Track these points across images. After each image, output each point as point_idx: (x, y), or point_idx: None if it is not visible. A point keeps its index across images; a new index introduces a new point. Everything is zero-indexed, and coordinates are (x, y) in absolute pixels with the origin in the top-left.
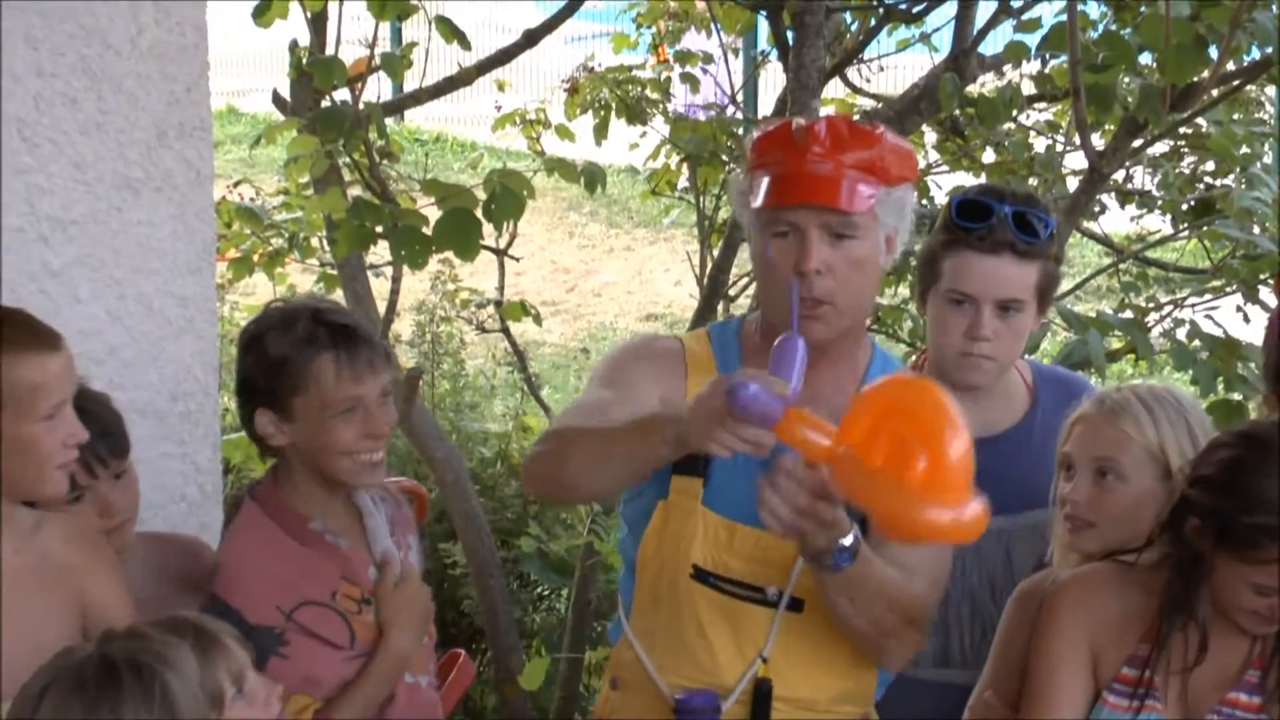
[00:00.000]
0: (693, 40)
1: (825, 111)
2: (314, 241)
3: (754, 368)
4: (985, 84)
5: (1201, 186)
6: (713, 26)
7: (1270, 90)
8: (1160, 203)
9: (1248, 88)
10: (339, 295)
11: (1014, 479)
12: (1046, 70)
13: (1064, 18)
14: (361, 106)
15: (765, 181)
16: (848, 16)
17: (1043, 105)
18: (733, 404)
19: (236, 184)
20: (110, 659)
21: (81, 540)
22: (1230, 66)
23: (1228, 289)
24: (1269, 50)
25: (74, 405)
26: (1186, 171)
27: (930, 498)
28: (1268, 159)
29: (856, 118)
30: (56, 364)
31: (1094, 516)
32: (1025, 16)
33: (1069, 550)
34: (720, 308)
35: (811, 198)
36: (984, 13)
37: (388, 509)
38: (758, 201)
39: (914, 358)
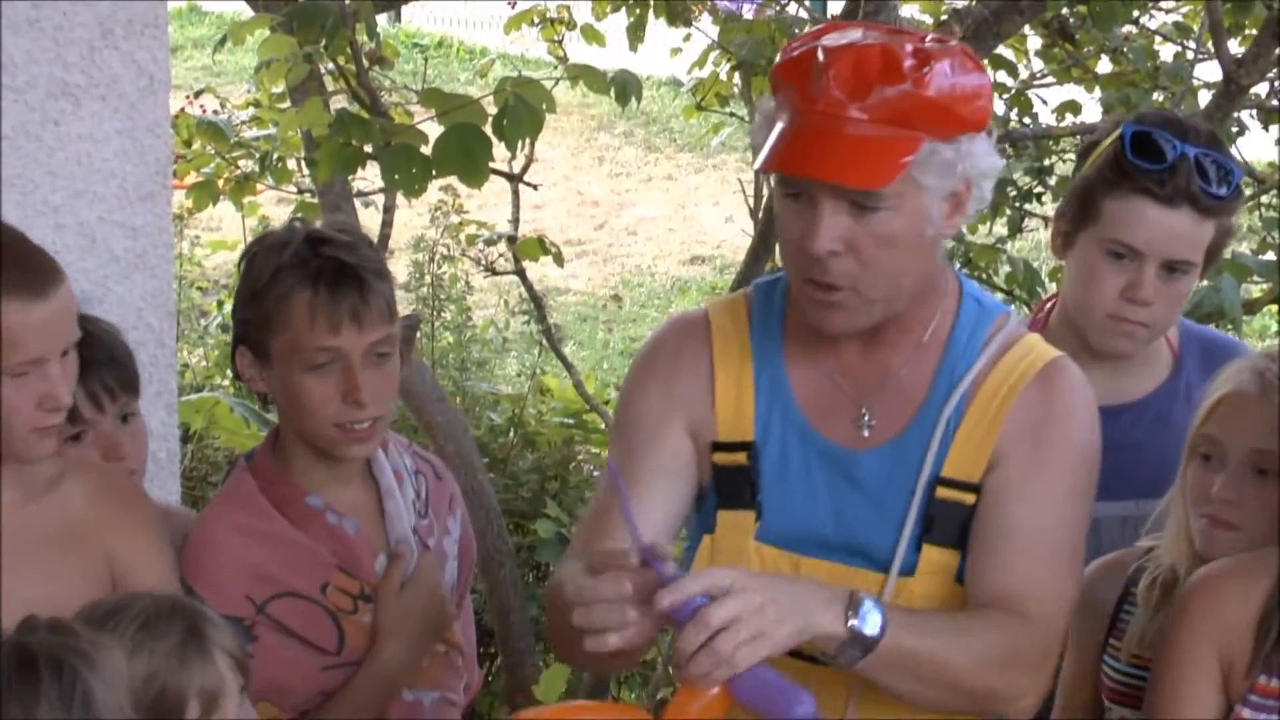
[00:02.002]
0: None
1: (908, 11)
2: (290, 164)
3: (800, 343)
4: None
5: None
6: None
7: None
8: None
9: None
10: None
11: (1147, 457)
12: None
13: None
14: (347, 1)
15: (773, 131)
16: None
17: (1170, 4)
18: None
19: (198, 94)
20: (29, 652)
21: (109, 495)
22: None
23: None
24: None
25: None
26: None
27: None
28: None
29: (944, 17)
30: (34, 315)
31: (1242, 520)
32: None
33: (1204, 552)
34: (779, 249)
35: (816, 170)
36: None
37: (422, 484)
38: (758, 161)
39: (1043, 305)
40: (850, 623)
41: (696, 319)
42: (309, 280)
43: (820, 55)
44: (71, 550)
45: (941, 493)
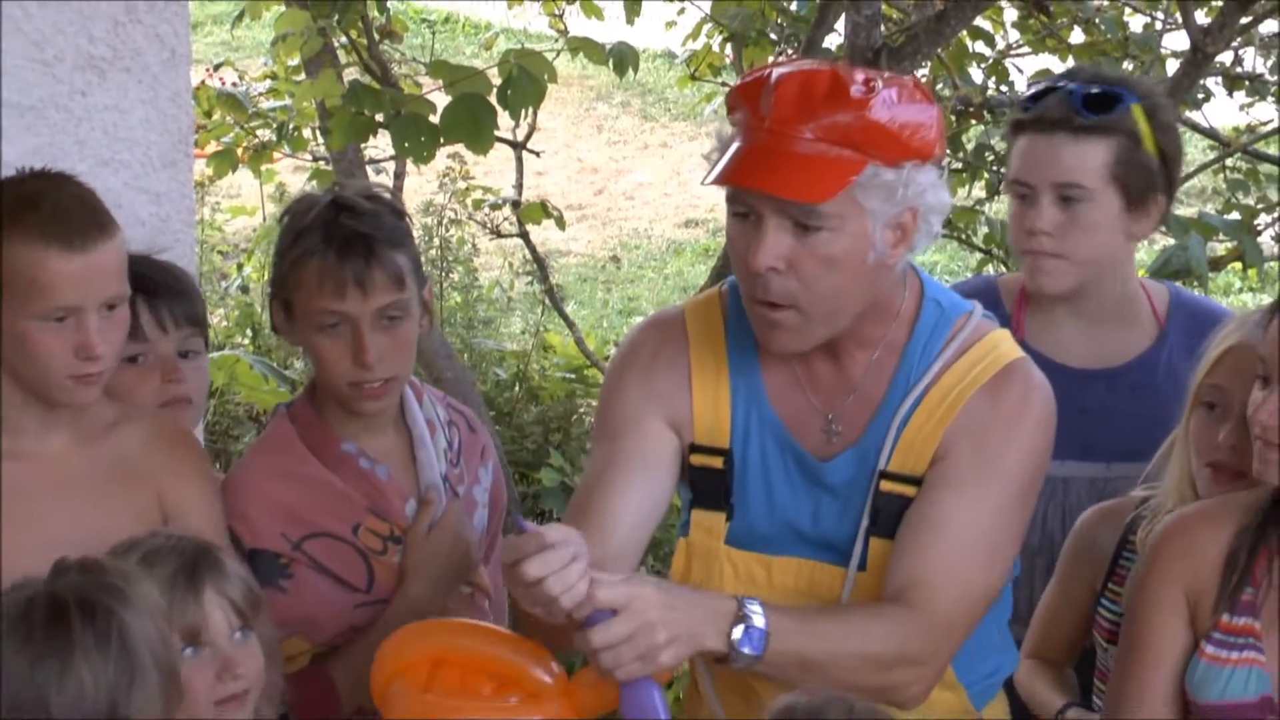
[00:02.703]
0: None
1: None
2: (305, 133)
3: (776, 362)
4: None
5: None
6: None
7: None
8: (1273, 89)
9: None
10: None
11: (1120, 423)
12: None
13: None
14: None
15: (730, 150)
16: None
17: None
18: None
19: (217, 67)
20: (59, 600)
21: (163, 439)
22: None
23: None
24: None
25: (143, 270)
26: None
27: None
28: None
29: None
30: (69, 266)
31: (1247, 467)
32: None
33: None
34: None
35: (759, 182)
36: None
37: (455, 435)
38: (710, 176)
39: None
40: (732, 638)
41: (673, 320)
42: (320, 246)
43: (772, 78)
44: (125, 490)
45: (886, 486)
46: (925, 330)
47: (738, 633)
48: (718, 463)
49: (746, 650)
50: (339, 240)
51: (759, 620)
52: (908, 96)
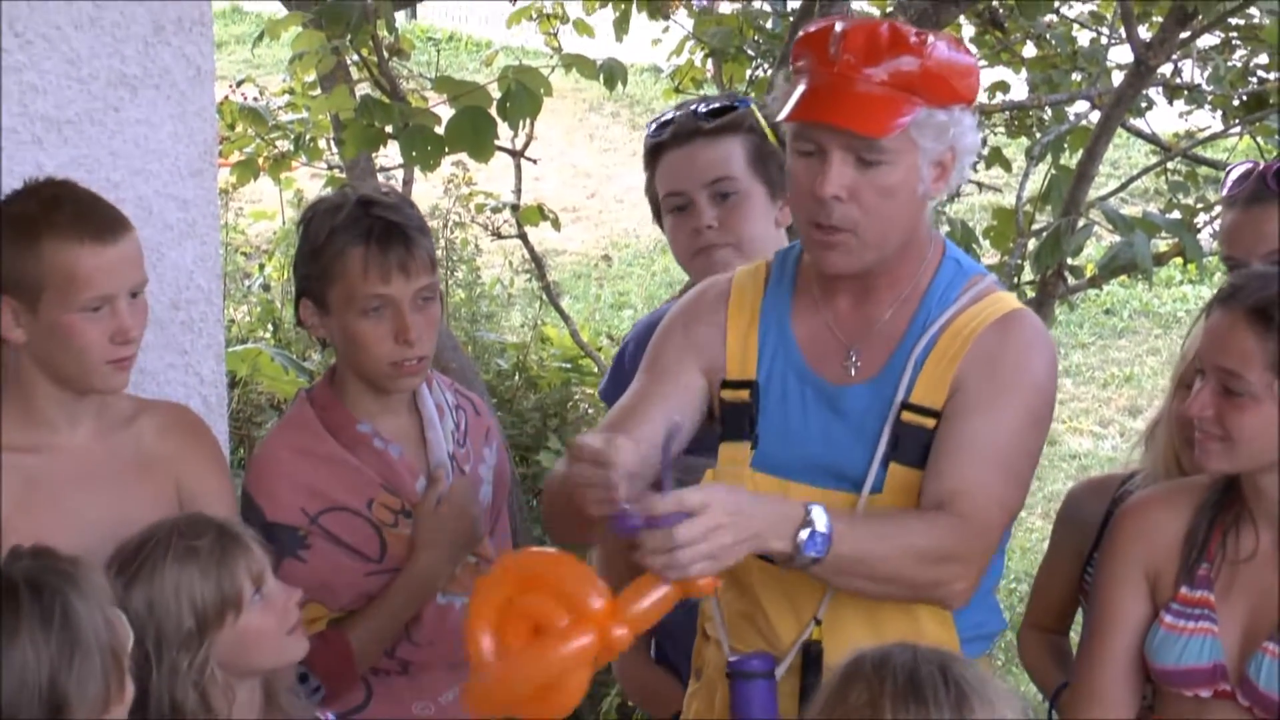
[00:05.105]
0: None
1: (860, 6)
2: (321, 143)
3: (805, 299)
4: None
5: (1254, 80)
6: None
7: None
8: (1210, 98)
9: None
10: None
11: None
12: None
13: None
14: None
15: (795, 92)
16: None
17: None
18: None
19: (240, 84)
20: (11, 580)
21: (178, 430)
22: None
23: None
24: None
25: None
26: (1238, 65)
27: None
28: None
29: (890, 9)
30: (104, 257)
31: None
32: None
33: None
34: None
35: (830, 117)
36: None
37: (462, 418)
38: (782, 114)
39: None
40: (798, 540)
41: (723, 281)
42: (361, 237)
43: (838, 27)
44: (144, 479)
45: (907, 417)
46: (944, 281)
47: (803, 535)
48: (745, 395)
49: (810, 553)
50: (379, 231)
51: (822, 524)
52: (955, 47)
